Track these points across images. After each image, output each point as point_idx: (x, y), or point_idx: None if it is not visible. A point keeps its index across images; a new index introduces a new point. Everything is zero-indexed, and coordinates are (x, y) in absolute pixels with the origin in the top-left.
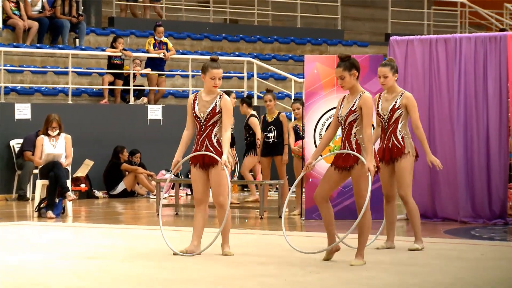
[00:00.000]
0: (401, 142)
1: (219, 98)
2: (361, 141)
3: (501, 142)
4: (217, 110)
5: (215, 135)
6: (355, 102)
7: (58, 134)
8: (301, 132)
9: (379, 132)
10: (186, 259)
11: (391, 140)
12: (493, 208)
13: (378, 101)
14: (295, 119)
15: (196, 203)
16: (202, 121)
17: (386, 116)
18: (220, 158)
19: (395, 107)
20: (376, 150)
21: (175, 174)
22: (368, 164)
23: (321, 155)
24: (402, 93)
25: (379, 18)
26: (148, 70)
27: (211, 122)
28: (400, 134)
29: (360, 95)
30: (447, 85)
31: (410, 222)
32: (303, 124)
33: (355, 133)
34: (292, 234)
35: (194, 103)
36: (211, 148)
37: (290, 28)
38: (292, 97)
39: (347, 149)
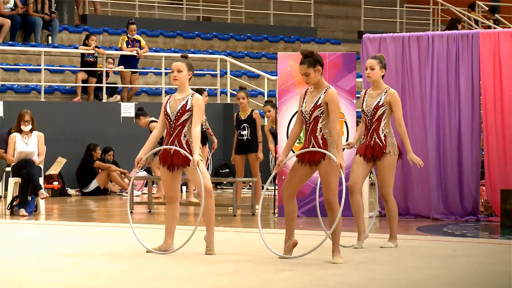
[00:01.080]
0: (383, 141)
1: (191, 96)
2: (327, 136)
3: (473, 139)
4: (187, 108)
5: (185, 136)
6: (320, 97)
7: (31, 131)
8: (274, 136)
9: (363, 129)
10: (159, 256)
11: (373, 138)
12: (465, 205)
13: (364, 97)
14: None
15: (167, 201)
16: (172, 120)
17: (369, 113)
18: (189, 162)
19: (379, 104)
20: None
21: (139, 169)
22: (339, 160)
23: (293, 151)
24: (386, 90)
25: (352, 16)
26: (121, 68)
27: (180, 121)
28: (382, 133)
29: (326, 90)
30: (420, 82)
31: (388, 220)
32: (276, 126)
33: (320, 128)
34: (265, 231)
35: (167, 102)
36: (180, 149)
37: (263, 25)
38: (265, 95)
39: (313, 144)
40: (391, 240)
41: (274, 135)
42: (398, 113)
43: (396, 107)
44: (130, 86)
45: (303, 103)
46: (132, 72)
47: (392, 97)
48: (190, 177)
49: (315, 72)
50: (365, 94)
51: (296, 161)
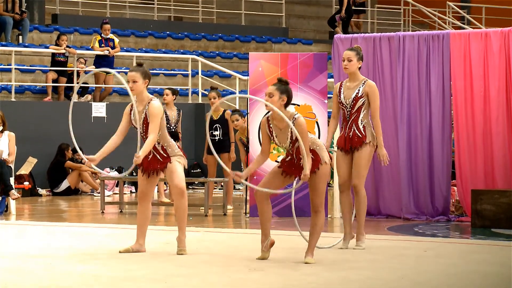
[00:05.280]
0: (362, 131)
1: (148, 105)
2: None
3: (444, 139)
4: (148, 120)
5: (159, 143)
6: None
7: (2, 132)
8: (245, 146)
9: (335, 124)
10: (130, 257)
11: (352, 129)
12: (436, 205)
13: (340, 89)
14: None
15: (140, 198)
16: (142, 132)
17: (348, 105)
18: (167, 164)
19: (358, 95)
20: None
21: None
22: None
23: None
24: (364, 81)
25: (324, 16)
26: (92, 68)
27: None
28: (361, 124)
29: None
30: (391, 83)
31: (357, 212)
32: (247, 136)
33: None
34: (237, 231)
35: (130, 113)
36: (156, 155)
37: (235, 25)
38: (237, 95)
39: (354, 130)
40: (359, 238)
41: (245, 146)
42: (375, 104)
43: (374, 98)
44: (101, 86)
45: (341, 94)
46: (107, 73)
47: (370, 88)
48: (168, 178)
49: (279, 99)
50: (340, 86)
51: (279, 169)
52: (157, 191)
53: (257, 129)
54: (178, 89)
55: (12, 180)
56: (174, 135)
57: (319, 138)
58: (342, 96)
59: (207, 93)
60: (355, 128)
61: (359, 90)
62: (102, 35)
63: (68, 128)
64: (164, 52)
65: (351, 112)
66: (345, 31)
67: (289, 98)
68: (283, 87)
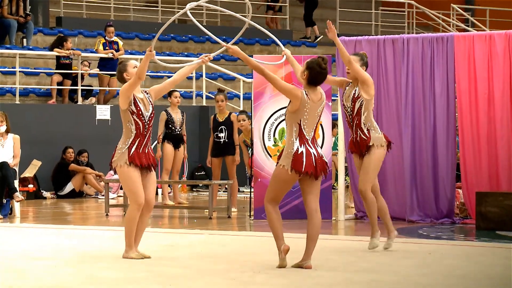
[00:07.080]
0: (367, 134)
1: (147, 94)
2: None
3: (448, 142)
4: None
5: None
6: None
7: (6, 132)
8: (249, 148)
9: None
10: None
11: (358, 134)
12: (441, 208)
13: (343, 92)
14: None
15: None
16: (146, 120)
17: (349, 108)
18: (154, 165)
19: (355, 96)
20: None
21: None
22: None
23: (269, 154)
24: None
25: (328, 19)
26: (96, 70)
27: (151, 122)
28: (365, 127)
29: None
30: (395, 85)
31: (368, 215)
32: (251, 138)
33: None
34: (242, 234)
35: (135, 99)
36: (151, 152)
37: (239, 28)
38: (241, 98)
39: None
40: (374, 235)
41: (248, 147)
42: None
43: (367, 89)
44: (105, 88)
45: (343, 97)
46: (111, 75)
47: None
48: (145, 186)
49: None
50: (345, 87)
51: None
52: (161, 194)
53: (261, 132)
54: (182, 91)
55: (16, 182)
56: (179, 138)
57: (323, 140)
58: (344, 98)
59: (215, 95)
60: (360, 133)
61: (355, 91)
62: (106, 37)
63: (72, 131)
64: (168, 55)
65: (353, 115)
66: (307, 21)
67: (311, 73)
68: (310, 61)
